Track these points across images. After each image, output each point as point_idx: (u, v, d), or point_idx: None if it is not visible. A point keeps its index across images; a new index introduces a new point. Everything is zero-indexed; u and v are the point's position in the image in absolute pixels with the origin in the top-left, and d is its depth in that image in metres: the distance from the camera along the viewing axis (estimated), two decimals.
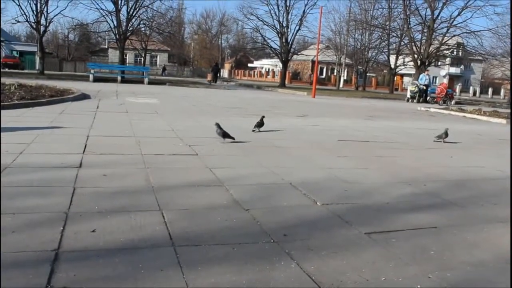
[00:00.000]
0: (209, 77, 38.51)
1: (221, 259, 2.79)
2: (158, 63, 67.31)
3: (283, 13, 41.86)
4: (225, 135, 7.10)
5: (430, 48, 36.18)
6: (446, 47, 38.47)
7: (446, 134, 8.95)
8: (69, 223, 3.22)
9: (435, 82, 60.78)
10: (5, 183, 4.13)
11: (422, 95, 27.63)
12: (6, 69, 42.60)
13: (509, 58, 36.91)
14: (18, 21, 32.81)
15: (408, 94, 28.91)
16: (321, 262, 2.86)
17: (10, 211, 3.39)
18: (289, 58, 43.54)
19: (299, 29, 42.50)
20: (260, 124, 8.78)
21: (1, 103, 10.17)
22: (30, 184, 4.16)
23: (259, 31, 44.38)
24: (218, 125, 7.16)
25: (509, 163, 6.94)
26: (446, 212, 4.13)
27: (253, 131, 8.73)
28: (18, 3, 31.40)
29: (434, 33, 36.06)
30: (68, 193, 3.93)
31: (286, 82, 46.08)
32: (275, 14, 41.89)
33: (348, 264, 2.85)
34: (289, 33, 42.40)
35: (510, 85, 36.68)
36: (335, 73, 60.67)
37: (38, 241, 2.88)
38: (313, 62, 59.26)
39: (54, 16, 33.21)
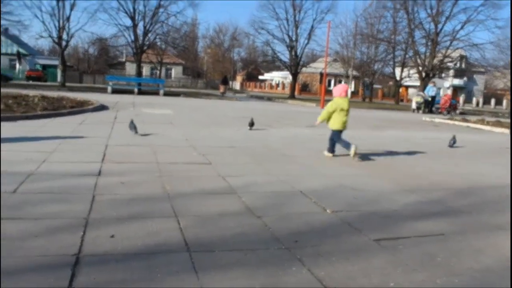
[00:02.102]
0: (222, 89, 38.61)
1: (234, 264, 2.78)
2: (173, 76, 67.73)
3: (293, 27, 41.96)
4: (131, 127, 8.62)
5: (434, 61, 35.99)
6: (450, 59, 38.24)
7: (454, 140, 9.88)
8: (89, 229, 3.23)
9: (440, 94, 60.41)
10: (30, 189, 4.17)
11: (428, 106, 27.47)
12: (30, 82, 43.16)
13: (510, 70, 36.59)
14: (42, 37, 33.76)
15: (414, 105, 28.74)
16: (331, 267, 2.83)
17: (33, 216, 3.41)
18: (298, 70, 43.58)
19: (308, 42, 42.55)
20: (252, 123, 10.66)
21: (26, 114, 10.31)
22: (52, 191, 4.19)
23: (270, 44, 44.50)
24: (132, 121, 8.80)
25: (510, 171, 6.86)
26: (452, 219, 4.08)
27: (249, 129, 10.60)
28: (42, 20, 31.95)
29: (437, 46, 35.89)
30: (87, 200, 3.94)
31: (296, 93, 46.10)
32: (285, 28, 42.02)
33: (357, 269, 2.83)
34: (298, 46, 42.49)
35: (510, 95, 36.25)
36: None
37: (59, 245, 2.89)
38: (321, 74, 59.23)
39: (75, 31, 33.74)
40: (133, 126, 8.64)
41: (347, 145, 7.28)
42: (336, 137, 7.43)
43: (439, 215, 4.18)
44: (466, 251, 3.27)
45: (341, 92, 7.50)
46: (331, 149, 7.50)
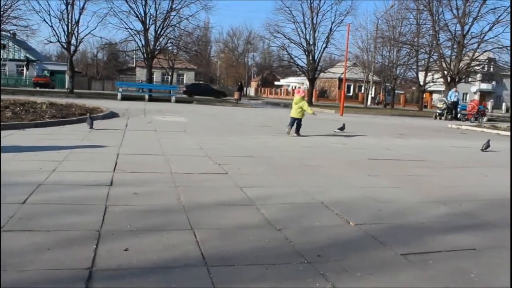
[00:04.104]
0: (236, 95, 38.83)
1: (255, 280, 2.77)
2: (185, 81, 68.22)
3: (310, 30, 42.07)
4: (88, 122, 10.54)
5: (460, 64, 35.67)
6: (477, 63, 37.88)
7: (488, 145, 10.45)
8: (102, 242, 3.25)
9: (466, 99, 59.78)
10: (39, 200, 4.22)
11: (451, 112, 27.33)
12: (38, 88, 43.83)
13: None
14: (50, 42, 33.86)
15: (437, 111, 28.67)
16: (357, 283, 2.81)
17: (45, 228, 3.45)
18: (316, 75, 43.60)
19: (326, 46, 42.64)
20: (342, 128, 12.95)
21: (34, 121, 10.47)
22: (63, 201, 4.23)
23: (286, 49, 44.69)
24: (89, 116, 11.03)
25: None
26: (485, 233, 4.02)
27: (334, 131, 12.91)
28: (50, 25, 32.48)
29: (464, 49, 35.56)
30: (100, 211, 3.97)
31: (313, 100, 46.08)
32: (302, 32, 42.12)
33: (384, 286, 2.80)
34: (316, 50, 42.56)
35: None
36: (362, 91, 60.36)
37: (72, 259, 2.92)
38: (340, 79, 59.16)
39: (84, 36, 34.28)
40: (90, 122, 10.48)
41: (291, 127, 11.84)
42: (290, 121, 11.88)
43: (471, 228, 4.12)
44: (501, 267, 3.21)
45: (295, 93, 12.96)
46: (296, 131, 11.77)
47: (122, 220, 3.75)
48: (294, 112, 11.89)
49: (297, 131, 11.77)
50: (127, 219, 3.80)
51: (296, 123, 11.80)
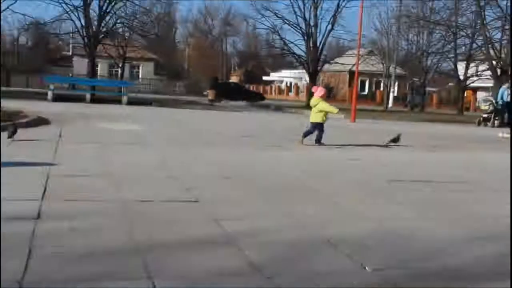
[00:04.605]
0: (211, 95, 38.96)
1: None
2: (140, 76, 68.17)
3: (310, 7, 42.32)
4: (9, 131, 10.38)
5: None
6: None
7: None
8: None
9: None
10: None
11: (501, 117, 27.31)
12: None
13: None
14: None
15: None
16: None
17: None
18: (318, 68, 43.79)
19: (332, 28, 42.93)
20: (396, 139, 13.61)
21: None
22: None
23: (278, 32, 44.94)
24: (13, 124, 11.25)
25: None
26: None
27: (387, 143, 13.67)
28: None
29: None
30: (22, 255, 3.91)
31: None
32: (300, 9, 42.45)
33: None
34: (318, 34, 42.81)
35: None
36: (381, 88, 60.69)
37: None
38: (351, 73, 59.42)
39: (1, 12, 33.85)
40: (11, 131, 10.36)
41: (306, 137, 13.06)
42: (308, 128, 13.33)
43: None
44: None
45: (313, 91, 15.12)
46: (317, 139, 12.98)
47: (52, 267, 3.72)
48: (313, 117, 13.28)
49: (318, 139, 12.93)
50: (59, 265, 3.76)
51: (318, 129, 13.05)
